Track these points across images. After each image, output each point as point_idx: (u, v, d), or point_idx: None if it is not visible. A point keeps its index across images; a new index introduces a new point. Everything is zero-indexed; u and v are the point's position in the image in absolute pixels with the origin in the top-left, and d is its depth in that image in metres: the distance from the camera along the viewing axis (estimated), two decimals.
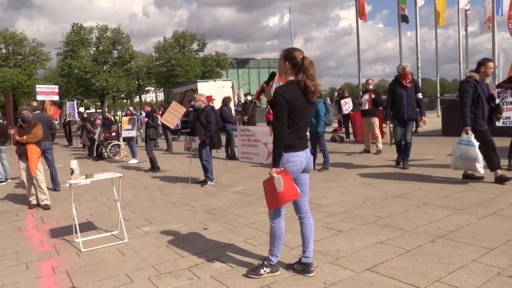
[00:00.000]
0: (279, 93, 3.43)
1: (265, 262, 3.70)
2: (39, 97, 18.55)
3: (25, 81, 37.38)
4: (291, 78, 3.56)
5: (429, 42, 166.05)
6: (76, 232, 5.05)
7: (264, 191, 3.61)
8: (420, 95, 8.45)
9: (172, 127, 12.30)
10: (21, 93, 38.67)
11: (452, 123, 13.71)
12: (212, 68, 41.47)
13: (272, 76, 4.03)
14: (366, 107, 11.41)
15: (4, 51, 39.73)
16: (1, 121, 13.46)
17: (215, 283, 3.63)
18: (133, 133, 13.65)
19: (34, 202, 7.48)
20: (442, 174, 7.70)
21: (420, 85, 16.67)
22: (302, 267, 3.71)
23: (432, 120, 17.39)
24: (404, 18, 20.21)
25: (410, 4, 19.16)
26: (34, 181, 7.29)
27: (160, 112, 17.11)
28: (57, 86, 20.84)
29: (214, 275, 3.80)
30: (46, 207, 7.24)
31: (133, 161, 13.43)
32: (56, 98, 20.07)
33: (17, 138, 7.36)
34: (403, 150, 8.54)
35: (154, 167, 11.05)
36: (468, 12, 23.23)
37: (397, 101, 8.27)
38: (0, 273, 4.27)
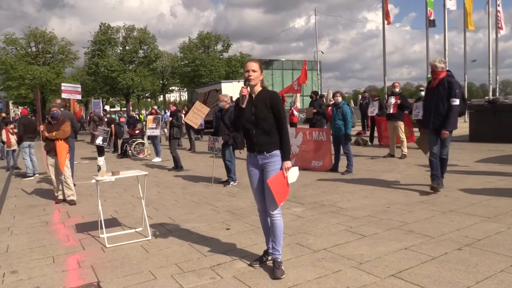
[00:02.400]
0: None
1: (279, 261, 3.80)
2: (63, 95, 18.98)
3: (53, 79, 38.29)
4: (261, 87, 3.88)
5: (457, 45, 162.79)
6: (101, 228, 5.14)
7: (272, 190, 3.70)
8: (454, 101, 6.60)
9: (196, 127, 12.38)
10: (49, 90, 39.62)
11: (479, 128, 13.40)
12: (236, 68, 41.63)
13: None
14: (391, 110, 11.26)
15: (34, 49, 40.79)
16: (31, 117, 13.81)
17: (238, 283, 3.63)
18: (157, 132, 13.80)
19: (60, 197, 7.65)
20: (470, 180, 7.53)
21: None
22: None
23: (459, 125, 16.99)
24: (431, 23, 19.88)
25: (439, 7, 18.81)
26: (61, 177, 7.45)
27: (184, 112, 17.28)
28: (79, 86, 21.25)
29: (237, 275, 3.81)
30: (72, 203, 7.39)
31: (157, 160, 13.59)
32: (79, 97, 20.45)
33: (46, 134, 7.54)
34: (438, 166, 6.90)
35: (177, 166, 11.15)
36: (499, 15, 22.67)
37: (426, 105, 7.01)
38: (27, 266, 4.38)
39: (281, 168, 3.78)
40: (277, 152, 3.79)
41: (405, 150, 11.01)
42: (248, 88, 3.78)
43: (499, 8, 22.66)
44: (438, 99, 6.70)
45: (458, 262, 3.81)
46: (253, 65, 3.81)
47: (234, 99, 9.36)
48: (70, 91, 19.52)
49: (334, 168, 9.37)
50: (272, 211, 3.79)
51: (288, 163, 3.77)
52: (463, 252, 4.05)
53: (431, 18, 19.75)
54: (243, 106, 3.76)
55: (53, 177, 7.68)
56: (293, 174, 3.82)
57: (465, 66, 23.66)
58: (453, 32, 61.02)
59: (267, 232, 4.01)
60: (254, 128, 3.80)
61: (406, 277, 3.56)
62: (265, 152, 3.78)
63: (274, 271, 3.73)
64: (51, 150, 7.52)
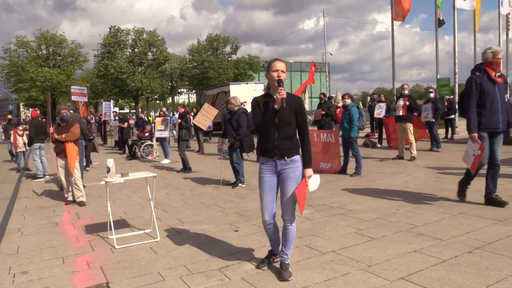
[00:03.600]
0: None
1: (287, 263, 3.79)
2: (73, 98, 19.10)
3: (63, 81, 38.60)
4: None
5: (468, 47, 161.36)
6: (110, 229, 5.16)
7: (298, 199, 3.62)
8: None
9: (204, 129, 12.42)
10: (60, 92, 39.94)
11: None
12: (245, 70, 41.66)
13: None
14: (401, 112, 11.20)
15: (44, 52, 41.17)
16: (41, 119, 13.93)
17: (246, 285, 3.63)
18: (165, 134, 13.85)
19: (70, 198, 7.70)
20: (480, 183, 7.42)
21: (457, 91, 16.22)
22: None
23: None
24: (440, 22, 19.71)
25: (449, 8, 18.62)
26: (71, 178, 7.50)
27: (193, 114, 17.33)
28: (85, 88, 21.30)
29: (245, 277, 3.81)
30: (81, 204, 7.44)
31: (166, 161, 13.64)
32: (85, 99, 20.52)
33: (56, 136, 7.59)
34: (489, 176, 6.06)
35: (186, 168, 11.18)
36: (510, 16, 22.44)
37: (487, 103, 5.56)
38: (37, 266, 4.42)
39: (303, 176, 3.68)
40: (297, 157, 3.68)
41: (414, 152, 10.94)
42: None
43: (508, 10, 22.41)
44: (502, 96, 5.69)
45: (469, 265, 3.78)
46: (283, 65, 3.68)
47: (242, 101, 9.39)
48: (78, 93, 19.64)
49: (343, 170, 9.34)
50: (289, 219, 3.72)
51: (310, 171, 3.69)
52: (474, 255, 4.01)
53: (441, 18, 19.59)
54: (277, 107, 3.55)
55: (63, 178, 7.73)
56: (314, 182, 3.75)
57: None
58: (463, 33, 60.74)
59: (273, 240, 3.95)
60: (277, 131, 3.64)
61: (415, 280, 3.53)
62: (286, 157, 3.66)
63: (282, 273, 3.72)
64: (61, 152, 7.58)
